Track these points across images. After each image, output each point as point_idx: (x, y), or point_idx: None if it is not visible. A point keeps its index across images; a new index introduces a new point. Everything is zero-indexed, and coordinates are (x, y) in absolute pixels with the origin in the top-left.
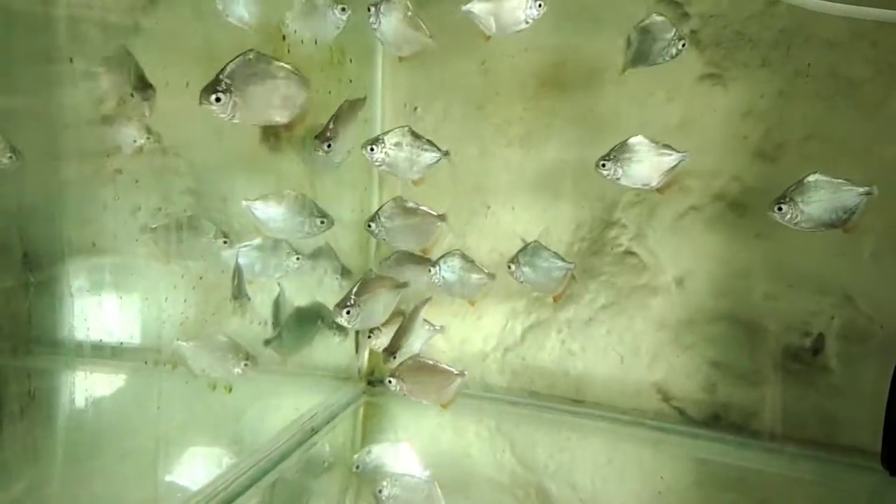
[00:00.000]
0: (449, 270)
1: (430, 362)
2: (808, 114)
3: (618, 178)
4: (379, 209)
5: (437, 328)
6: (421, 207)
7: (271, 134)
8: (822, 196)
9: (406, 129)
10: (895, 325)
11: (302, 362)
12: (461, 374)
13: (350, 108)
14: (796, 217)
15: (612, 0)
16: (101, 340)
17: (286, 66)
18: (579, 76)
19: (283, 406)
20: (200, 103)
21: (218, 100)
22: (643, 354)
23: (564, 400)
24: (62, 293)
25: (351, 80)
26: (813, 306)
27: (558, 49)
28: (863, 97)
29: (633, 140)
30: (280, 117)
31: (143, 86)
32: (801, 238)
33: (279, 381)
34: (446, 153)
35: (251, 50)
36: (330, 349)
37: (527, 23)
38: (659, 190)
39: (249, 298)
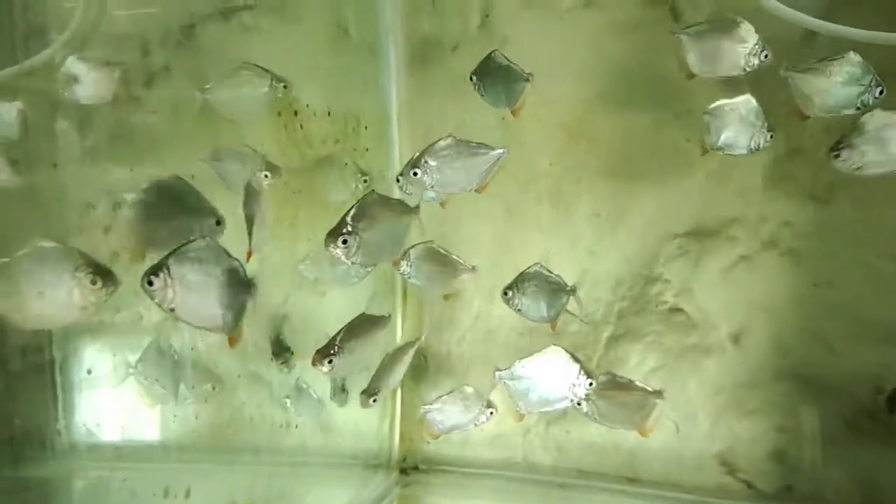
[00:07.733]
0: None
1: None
2: None
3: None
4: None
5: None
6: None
7: None
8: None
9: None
10: None
11: (322, 450)
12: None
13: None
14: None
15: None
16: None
17: None
18: (609, 125)
19: None
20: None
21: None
22: (701, 422)
23: (617, 478)
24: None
25: (367, 149)
26: (883, 358)
27: (586, 99)
28: None
29: None
30: None
31: None
32: (861, 283)
33: (291, 476)
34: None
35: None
36: (357, 430)
37: (745, 70)
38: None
39: (293, 353)
